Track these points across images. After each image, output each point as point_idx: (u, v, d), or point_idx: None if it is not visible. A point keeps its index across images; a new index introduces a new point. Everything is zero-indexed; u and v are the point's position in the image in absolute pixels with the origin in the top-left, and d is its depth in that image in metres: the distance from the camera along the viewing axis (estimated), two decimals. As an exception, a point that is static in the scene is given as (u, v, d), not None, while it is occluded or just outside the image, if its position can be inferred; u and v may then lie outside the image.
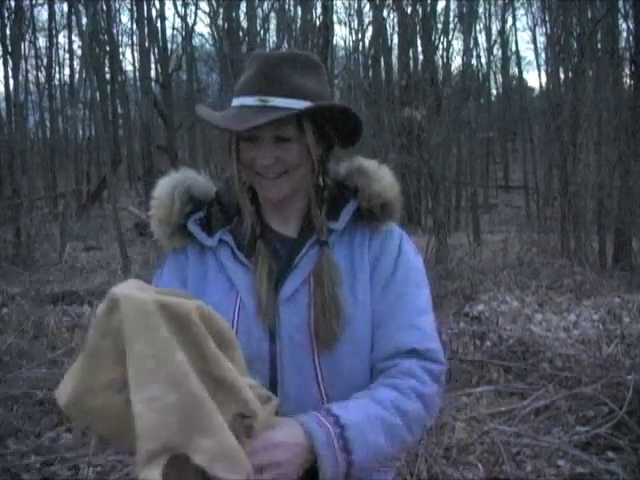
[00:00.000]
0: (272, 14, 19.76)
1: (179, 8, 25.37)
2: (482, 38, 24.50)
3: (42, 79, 22.88)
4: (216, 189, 1.34)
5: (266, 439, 1.06)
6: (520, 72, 25.52)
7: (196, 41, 30.14)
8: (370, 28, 18.51)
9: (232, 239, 1.28)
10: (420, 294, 1.29)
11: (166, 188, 1.31)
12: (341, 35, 55.70)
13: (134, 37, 21.97)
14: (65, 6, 20.06)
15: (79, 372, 1.01)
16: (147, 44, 17.27)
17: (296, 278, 1.25)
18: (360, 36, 19.78)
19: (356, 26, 21.83)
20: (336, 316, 1.21)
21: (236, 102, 1.23)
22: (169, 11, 47.39)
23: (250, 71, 1.22)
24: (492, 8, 22.71)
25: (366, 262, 1.28)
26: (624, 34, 12.01)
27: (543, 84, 19.25)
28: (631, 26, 10.90)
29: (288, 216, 1.31)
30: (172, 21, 49.07)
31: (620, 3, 11.06)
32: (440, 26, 16.31)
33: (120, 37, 22.85)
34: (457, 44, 38.98)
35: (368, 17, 19.00)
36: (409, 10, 15.35)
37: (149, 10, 17.24)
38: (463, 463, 3.14)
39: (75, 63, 22.05)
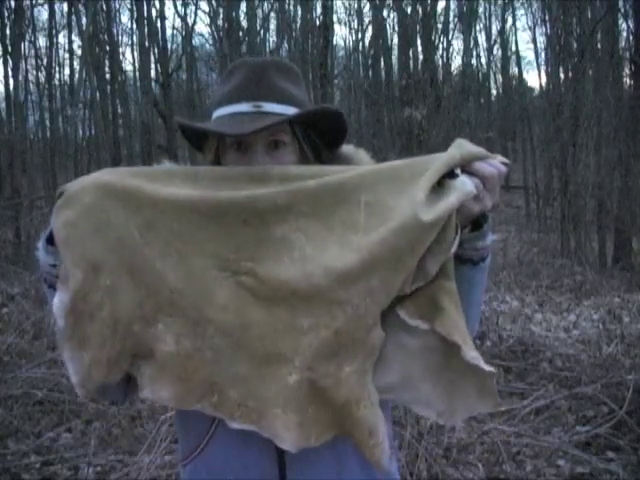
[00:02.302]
0: (272, 14, 19.77)
1: (179, 8, 25.39)
2: (482, 38, 24.57)
3: (42, 79, 22.88)
4: None
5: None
6: (520, 72, 25.53)
7: (196, 41, 30.12)
8: (370, 28, 18.54)
9: None
10: None
11: None
12: (341, 35, 55.74)
13: (134, 37, 21.93)
14: (65, 6, 19.99)
15: None
16: (147, 44, 17.27)
17: None
18: (360, 36, 19.84)
19: (356, 26, 21.85)
20: None
21: (224, 110, 1.19)
22: (169, 11, 47.32)
23: (236, 79, 1.19)
24: (492, 8, 22.76)
25: None
26: (624, 34, 12.05)
27: (543, 84, 19.25)
28: (631, 26, 10.91)
29: None
30: (172, 21, 48.87)
31: (620, 3, 11.08)
32: (440, 26, 16.30)
33: (120, 37, 22.83)
34: (457, 44, 38.97)
35: (368, 17, 19.03)
36: (409, 10, 15.35)
37: (149, 10, 17.26)
38: (463, 463, 3.14)
39: (75, 63, 22.03)
